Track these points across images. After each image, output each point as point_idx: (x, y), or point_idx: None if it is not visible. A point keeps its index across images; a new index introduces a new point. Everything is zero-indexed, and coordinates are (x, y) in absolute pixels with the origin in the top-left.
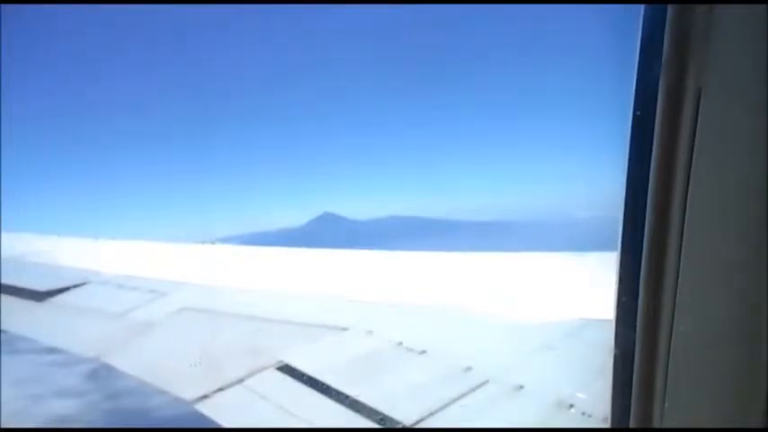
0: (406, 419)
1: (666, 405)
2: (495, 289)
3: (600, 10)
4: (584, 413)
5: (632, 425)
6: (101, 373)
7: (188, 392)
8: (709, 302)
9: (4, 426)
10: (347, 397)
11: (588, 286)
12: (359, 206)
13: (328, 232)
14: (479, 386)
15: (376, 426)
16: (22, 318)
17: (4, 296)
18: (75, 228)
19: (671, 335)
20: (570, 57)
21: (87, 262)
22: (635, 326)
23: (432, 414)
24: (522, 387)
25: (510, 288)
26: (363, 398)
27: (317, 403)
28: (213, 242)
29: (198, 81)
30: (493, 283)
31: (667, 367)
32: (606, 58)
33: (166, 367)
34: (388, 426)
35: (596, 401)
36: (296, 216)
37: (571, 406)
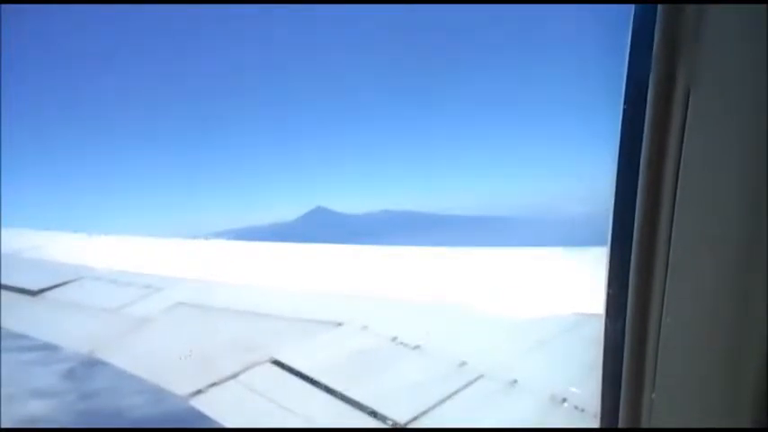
0: (399, 414)
1: (655, 404)
2: (490, 284)
3: (592, 9)
4: (576, 407)
5: (621, 425)
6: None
7: (182, 387)
8: (697, 301)
9: (4, 426)
10: (341, 392)
11: (584, 281)
12: (351, 200)
13: (321, 226)
14: (473, 381)
15: (369, 421)
16: (15, 314)
17: None
18: (67, 223)
19: (659, 333)
20: (563, 54)
21: (81, 257)
22: (624, 325)
23: (426, 409)
24: (516, 382)
25: (505, 283)
26: (357, 393)
27: (311, 399)
28: (207, 237)
29: (191, 76)
30: (488, 279)
31: (656, 366)
32: (598, 56)
33: (161, 363)
34: (381, 420)
35: (589, 396)
36: (288, 210)
37: (564, 400)
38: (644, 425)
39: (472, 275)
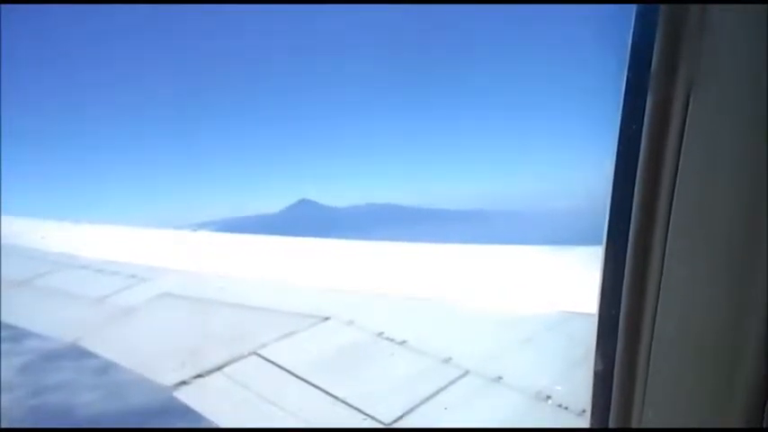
0: (385, 412)
1: (646, 404)
2: (476, 280)
3: (593, 7)
4: (560, 405)
5: (612, 424)
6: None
7: (167, 378)
8: (691, 302)
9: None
10: (326, 387)
11: (569, 279)
12: (336, 193)
13: (306, 218)
14: (459, 378)
15: (355, 417)
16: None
17: None
18: (53, 211)
19: (652, 333)
20: (562, 51)
21: (67, 246)
22: (617, 324)
23: (412, 406)
24: (501, 378)
25: (491, 280)
26: (342, 388)
27: (296, 393)
28: (192, 228)
29: (179, 69)
30: (474, 275)
31: (648, 365)
32: (599, 54)
33: (146, 353)
34: (369, 418)
35: (573, 394)
36: (273, 202)
37: (548, 398)
38: (635, 425)
39: (458, 271)
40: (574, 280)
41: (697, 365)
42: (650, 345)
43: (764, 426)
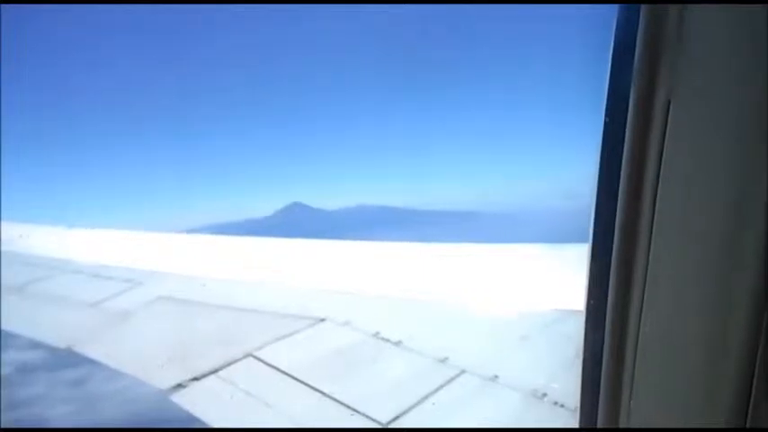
0: (381, 412)
1: (633, 404)
2: (471, 280)
3: (577, 9)
4: (556, 402)
5: (600, 424)
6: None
7: (163, 381)
8: (676, 302)
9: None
10: (322, 388)
11: (563, 278)
12: (327, 196)
13: (297, 221)
14: (456, 377)
15: (351, 418)
16: None
17: None
18: (46, 215)
19: (638, 333)
20: (547, 54)
21: (60, 250)
22: (604, 324)
23: (408, 407)
24: (497, 377)
25: (486, 279)
26: (339, 389)
27: (292, 395)
28: (188, 233)
29: (172, 73)
30: (469, 275)
31: (635, 365)
32: (583, 56)
33: (142, 356)
34: (366, 418)
35: (569, 391)
36: (264, 206)
37: (544, 395)
38: (622, 424)
39: (453, 271)
40: (569, 277)
41: (682, 365)
42: (636, 344)
43: (748, 425)
